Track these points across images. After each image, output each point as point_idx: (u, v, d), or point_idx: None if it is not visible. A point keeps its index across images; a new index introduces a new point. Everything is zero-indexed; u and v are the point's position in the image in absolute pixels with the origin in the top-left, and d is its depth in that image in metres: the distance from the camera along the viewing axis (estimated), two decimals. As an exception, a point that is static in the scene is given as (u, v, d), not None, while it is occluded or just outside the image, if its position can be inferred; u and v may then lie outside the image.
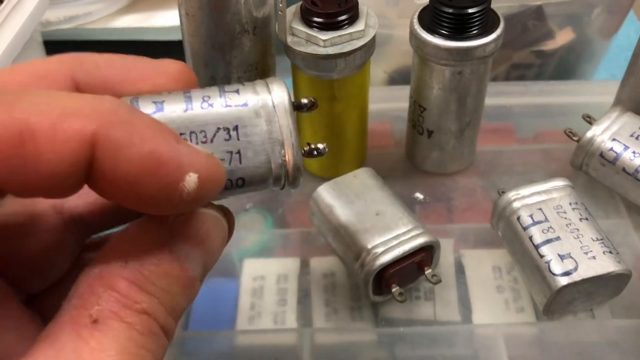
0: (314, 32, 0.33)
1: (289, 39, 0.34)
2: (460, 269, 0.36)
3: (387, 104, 0.44)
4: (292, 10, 0.35)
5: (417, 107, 0.37)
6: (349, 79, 0.35)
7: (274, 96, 0.21)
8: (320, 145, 0.23)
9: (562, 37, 0.46)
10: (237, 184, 0.20)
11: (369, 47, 0.35)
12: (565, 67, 0.49)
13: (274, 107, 0.21)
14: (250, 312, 0.35)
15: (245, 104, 0.20)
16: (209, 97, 0.20)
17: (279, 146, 0.20)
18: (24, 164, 0.16)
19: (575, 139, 0.37)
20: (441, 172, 0.40)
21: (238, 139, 0.20)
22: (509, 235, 0.34)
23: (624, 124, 0.36)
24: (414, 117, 0.38)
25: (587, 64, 0.50)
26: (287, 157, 0.20)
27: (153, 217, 0.19)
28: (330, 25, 0.34)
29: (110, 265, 0.18)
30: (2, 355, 0.18)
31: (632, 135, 0.36)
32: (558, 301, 0.31)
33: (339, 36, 0.33)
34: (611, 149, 0.36)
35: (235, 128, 0.20)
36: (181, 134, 0.19)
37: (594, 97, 0.44)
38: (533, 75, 0.48)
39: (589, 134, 0.37)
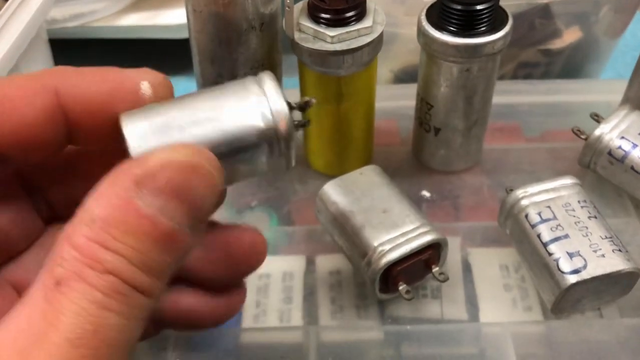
0: (321, 29, 0.33)
1: (296, 35, 0.34)
2: (467, 267, 0.36)
3: (394, 102, 0.44)
4: (300, 6, 0.35)
5: (425, 105, 0.37)
6: (356, 75, 0.35)
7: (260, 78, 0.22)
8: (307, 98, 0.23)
9: (569, 36, 0.46)
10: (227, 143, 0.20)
11: (377, 44, 0.34)
12: (572, 66, 0.49)
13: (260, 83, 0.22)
14: (256, 309, 0.34)
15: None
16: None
17: (267, 107, 0.21)
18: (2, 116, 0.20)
19: (583, 137, 0.37)
20: (448, 170, 0.40)
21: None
22: (517, 233, 0.33)
23: (632, 122, 0.36)
24: (421, 114, 0.38)
25: (594, 63, 0.50)
26: (274, 115, 0.21)
27: (119, 172, 0.19)
28: (338, 21, 0.34)
29: (76, 225, 0.18)
30: None
31: (640, 134, 0.36)
32: (567, 299, 0.31)
33: (347, 32, 0.33)
34: (619, 147, 0.36)
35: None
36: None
37: (601, 96, 0.44)
38: (540, 74, 0.48)
39: (597, 132, 0.36)
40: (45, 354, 0.16)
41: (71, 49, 0.56)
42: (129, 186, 0.18)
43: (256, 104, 0.21)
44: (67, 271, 0.17)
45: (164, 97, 0.22)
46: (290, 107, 0.21)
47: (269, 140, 0.21)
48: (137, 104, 0.21)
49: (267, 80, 0.22)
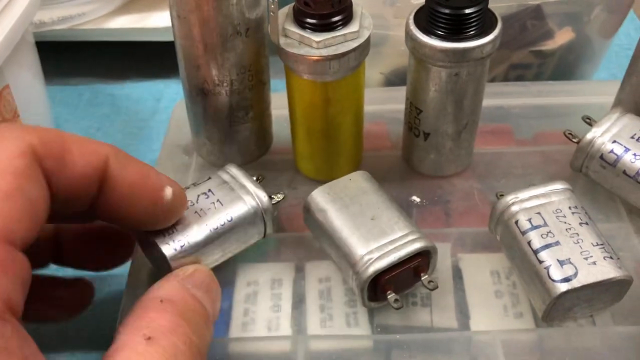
0: (306, 34, 0.33)
1: (282, 41, 0.33)
2: (457, 274, 0.35)
3: (384, 105, 0.44)
4: (285, 11, 0.34)
5: (414, 109, 0.36)
6: (343, 80, 0.34)
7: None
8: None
9: (562, 37, 0.46)
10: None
11: (364, 49, 0.34)
12: (564, 67, 0.48)
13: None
14: (244, 318, 0.34)
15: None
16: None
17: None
18: (64, 167, 0.24)
19: (574, 140, 0.37)
20: (438, 174, 0.39)
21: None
22: (507, 240, 0.33)
23: (624, 125, 0.36)
24: (410, 119, 0.37)
25: (587, 63, 0.50)
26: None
27: (171, 274, 0.29)
28: (324, 26, 0.33)
29: (150, 304, 0.26)
30: None
31: (632, 137, 0.35)
32: (557, 308, 0.30)
33: (333, 37, 0.33)
34: (611, 151, 0.35)
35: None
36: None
37: (594, 98, 0.43)
38: (532, 75, 0.48)
39: (588, 136, 0.36)
40: None
41: (60, 51, 0.55)
42: (178, 280, 0.28)
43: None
44: (155, 331, 0.24)
45: (177, 206, 0.29)
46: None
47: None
48: (156, 204, 0.28)
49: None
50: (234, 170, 0.34)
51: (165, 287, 0.27)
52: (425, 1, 0.33)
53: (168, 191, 0.27)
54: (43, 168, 0.24)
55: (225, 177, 0.34)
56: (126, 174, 0.26)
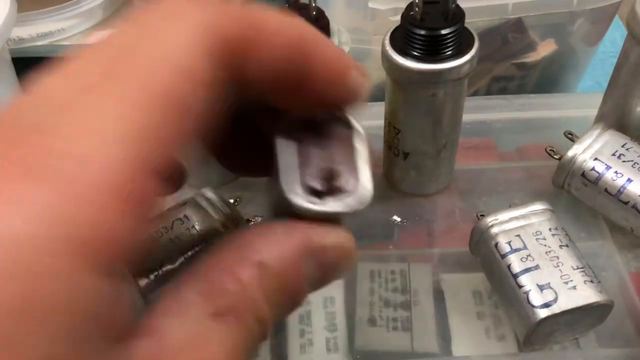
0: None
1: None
2: (439, 295, 0.35)
3: (366, 121, 0.43)
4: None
5: (392, 129, 0.36)
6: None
7: None
8: None
9: (544, 49, 0.45)
10: None
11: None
12: (548, 78, 0.48)
13: None
14: (223, 345, 0.33)
15: None
16: None
17: None
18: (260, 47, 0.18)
19: (556, 157, 0.36)
20: (419, 193, 0.39)
21: None
22: (487, 262, 0.32)
23: (605, 142, 0.35)
24: (389, 138, 0.37)
25: (571, 73, 0.49)
26: None
27: (297, 228, 0.19)
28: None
29: (244, 262, 0.18)
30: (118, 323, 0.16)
31: (614, 155, 0.35)
32: (538, 333, 0.30)
33: (312, 55, 0.32)
34: (593, 169, 0.35)
35: None
36: None
37: (577, 111, 0.43)
38: (515, 87, 0.47)
39: (570, 153, 0.35)
40: None
41: (39, 67, 0.55)
42: (303, 250, 0.18)
43: None
44: (228, 305, 0.17)
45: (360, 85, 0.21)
46: None
47: None
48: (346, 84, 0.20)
49: None
50: (209, 194, 0.33)
51: (275, 245, 0.18)
52: (401, 22, 0.32)
53: (355, 74, 0.20)
54: (225, 64, 0.17)
55: (202, 202, 0.33)
56: (323, 54, 0.19)
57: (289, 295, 0.18)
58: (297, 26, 0.19)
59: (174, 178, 0.23)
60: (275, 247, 0.18)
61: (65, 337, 0.14)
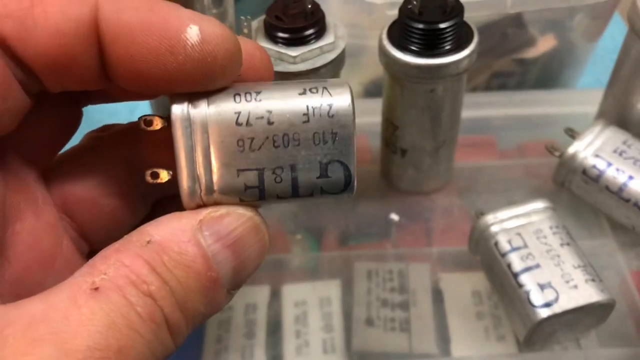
0: (281, 49, 0.32)
1: (253, 58, 0.32)
2: (438, 296, 0.34)
3: (363, 117, 0.42)
4: (254, 26, 0.33)
5: (390, 126, 0.35)
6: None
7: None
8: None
9: (544, 44, 0.44)
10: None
11: (341, 60, 0.33)
12: (548, 74, 0.47)
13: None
14: (217, 345, 0.33)
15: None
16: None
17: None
18: (34, 24, 0.17)
19: (557, 154, 0.36)
20: (417, 191, 0.38)
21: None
22: (487, 261, 0.32)
23: (607, 138, 0.35)
24: (387, 135, 0.36)
25: (571, 69, 0.48)
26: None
27: (185, 212, 0.19)
28: (297, 40, 0.32)
29: (131, 242, 0.17)
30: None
31: (615, 151, 0.34)
32: (538, 333, 0.29)
33: (309, 51, 0.32)
34: (594, 166, 0.34)
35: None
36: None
37: (578, 107, 0.42)
38: (515, 83, 0.47)
39: (570, 150, 0.35)
40: (61, 356, 0.15)
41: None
42: (194, 223, 0.18)
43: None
44: (109, 281, 0.16)
45: (217, 52, 0.18)
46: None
47: None
48: (175, 51, 0.17)
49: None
50: None
51: (165, 225, 0.18)
52: (399, 16, 0.32)
53: (192, 31, 0.17)
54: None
55: None
56: (124, 17, 0.17)
57: (191, 271, 0.17)
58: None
59: None
60: (164, 226, 0.18)
61: None
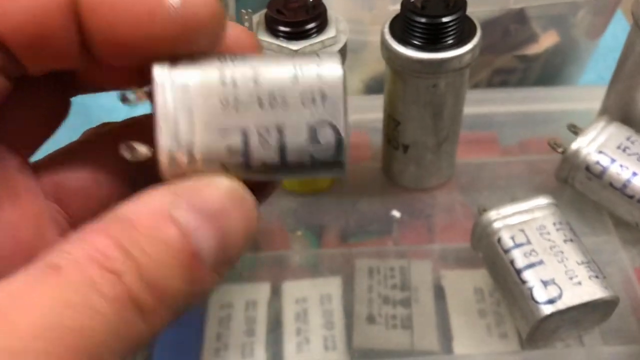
0: (283, 43, 0.31)
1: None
2: (439, 293, 0.34)
3: (364, 114, 0.42)
4: (256, 19, 0.33)
5: (392, 121, 0.35)
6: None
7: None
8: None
9: (546, 41, 0.44)
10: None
11: (342, 53, 0.33)
12: (550, 70, 0.47)
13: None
14: (217, 343, 0.33)
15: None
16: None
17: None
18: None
19: (559, 150, 0.35)
20: (419, 187, 0.38)
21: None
22: (489, 258, 0.31)
23: (610, 134, 0.34)
24: (388, 131, 0.36)
25: (573, 66, 0.48)
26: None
27: (157, 187, 0.17)
28: (299, 34, 0.32)
29: (100, 221, 0.16)
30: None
31: (619, 147, 0.34)
32: (542, 330, 0.29)
33: (311, 45, 0.31)
34: (597, 162, 0.34)
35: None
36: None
37: (580, 104, 0.42)
38: (517, 80, 0.46)
39: (573, 146, 0.34)
40: (6, 337, 0.14)
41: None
42: (167, 196, 0.17)
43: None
44: (68, 259, 0.15)
45: (200, 17, 0.17)
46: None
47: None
48: (156, 13, 0.17)
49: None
50: None
51: (138, 201, 0.17)
52: (401, 9, 0.31)
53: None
54: None
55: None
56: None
57: (164, 247, 0.16)
58: None
59: None
60: (136, 202, 0.17)
61: None
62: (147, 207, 0.16)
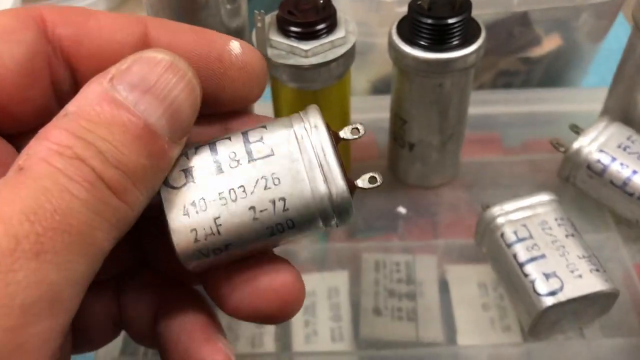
0: (294, 43, 0.32)
1: (269, 52, 0.33)
2: (444, 287, 0.35)
3: (371, 114, 0.43)
4: (268, 20, 0.34)
5: (398, 120, 0.36)
6: (331, 88, 0.34)
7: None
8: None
9: (549, 43, 0.45)
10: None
11: (351, 54, 0.34)
12: (553, 73, 0.48)
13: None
14: (228, 334, 0.33)
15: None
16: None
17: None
18: (88, 33, 0.20)
19: (561, 149, 0.36)
20: (424, 185, 0.39)
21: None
22: (493, 253, 0.32)
23: (611, 134, 0.35)
24: (395, 129, 0.37)
25: (575, 69, 0.49)
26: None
27: (85, 87, 0.18)
28: (310, 34, 0.33)
29: (52, 121, 0.17)
30: None
31: (619, 147, 0.35)
32: (543, 322, 0.30)
33: (321, 45, 0.32)
34: (598, 161, 0.35)
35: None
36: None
37: (583, 105, 0.43)
38: (520, 82, 0.47)
39: (575, 145, 0.35)
40: None
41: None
42: (104, 82, 0.18)
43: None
44: (32, 157, 0.16)
45: (252, 63, 0.21)
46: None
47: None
48: (223, 58, 0.20)
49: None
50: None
51: (79, 96, 0.18)
52: (408, 11, 0.32)
53: (234, 44, 0.21)
54: (54, 38, 0.19)
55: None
56: (176, 38, 0.20)
57: (114, 126, 0.17)
58: (134, 19, 0.20)
59: None
60: (77, 97, 0.18)
61: None
62: (88, 97, 0.17)
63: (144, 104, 0.18)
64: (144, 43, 0.20)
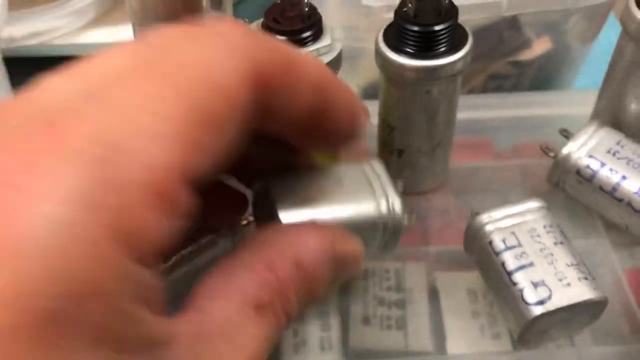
0: (278, 50, 0.32)
1: (251, 61, 0.32)
2: (433, 294, 0.34)
3: (360, 119, 0.43)
4: (252, 28, 0.33)
5: (386, 127, 0.36)
6: (315, 98, 0.34)
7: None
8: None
9: (540, 47, 0.45)
10: None
11: (337, 62, 0.33)
12: (544, 76, 0.48)
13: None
14: (216, 344, 0.33)
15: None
16: None
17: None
18: (297, 75, 0.19)
19: (551, 155, 0.36)
20: (414, 191, 0.39)
21: None
22: (481, 260, 0.32)
23: (601, 139, 0.35)
24: (383, 136, 0.37)
25: (566, 71, 0.49)
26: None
27: (327, 229, 0.21)
28: (295, 42, 0.32)
29: (283, 259, 0.19)
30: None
31: (609, 152, 0.34)
32: (532, 331, 0.29)
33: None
34: (588, 167, 0.34)
35: None
36: None
37: (573, 108, 0.43)
38: (511, 86, 0.47)
39: (564, 151, 0.35)
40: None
41: (31, 67, 0.54)
42: (330, 254, 0.20)
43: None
44: (268, 300, 0.18)
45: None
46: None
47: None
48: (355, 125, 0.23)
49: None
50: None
51: (309, 250, 0.20)
52: (394, 18, 0.32)
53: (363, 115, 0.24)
54: (260, 99, 0.18)
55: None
56: (340, 98, 0.21)
57: (312, 295, 0.20)
58: (320, 68, 0.20)
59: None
60: (309, 248, 0.20)
61: (114, 319, 0.14)
62: (320, 259, 0.20)
63: (329, 287, 0.21)
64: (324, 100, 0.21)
